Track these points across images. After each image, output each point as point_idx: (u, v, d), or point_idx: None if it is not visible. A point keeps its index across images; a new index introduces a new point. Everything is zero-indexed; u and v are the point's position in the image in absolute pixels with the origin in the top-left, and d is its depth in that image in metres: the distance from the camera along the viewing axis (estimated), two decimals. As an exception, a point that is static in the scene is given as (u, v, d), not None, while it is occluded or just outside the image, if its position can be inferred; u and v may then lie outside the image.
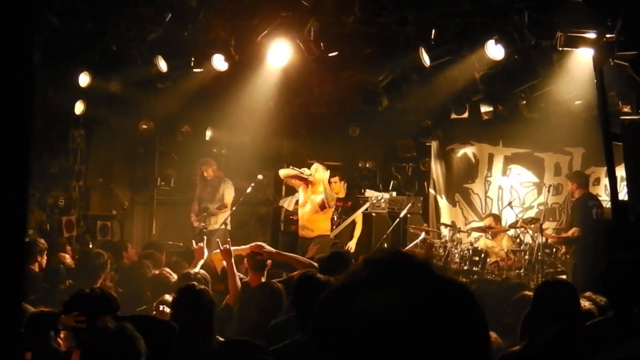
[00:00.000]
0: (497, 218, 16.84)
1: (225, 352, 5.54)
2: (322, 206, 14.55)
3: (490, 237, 16.27)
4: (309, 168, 14.80)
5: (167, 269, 10.49)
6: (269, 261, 9.81)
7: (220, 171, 17.23)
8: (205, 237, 12.42)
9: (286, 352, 6.14)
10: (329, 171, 14.84)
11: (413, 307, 1.74)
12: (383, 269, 1.82)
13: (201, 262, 10.32)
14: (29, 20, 1.71)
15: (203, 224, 16.46)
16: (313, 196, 14.72)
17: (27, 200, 1.74)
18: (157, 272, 10.30)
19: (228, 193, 16.80)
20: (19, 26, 1.70)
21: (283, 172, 15.20)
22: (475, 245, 15.96)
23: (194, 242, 10.97)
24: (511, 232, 16.64)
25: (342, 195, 15.98)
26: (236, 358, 5.43)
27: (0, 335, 1.70)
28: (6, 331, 1.71)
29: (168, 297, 8.25)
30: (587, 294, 7.15)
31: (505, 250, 15.93)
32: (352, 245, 15.42)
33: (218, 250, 10.02)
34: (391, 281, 1.79)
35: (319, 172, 14.70)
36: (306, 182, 14.76)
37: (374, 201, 17.20)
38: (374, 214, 17.30)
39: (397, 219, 16.86)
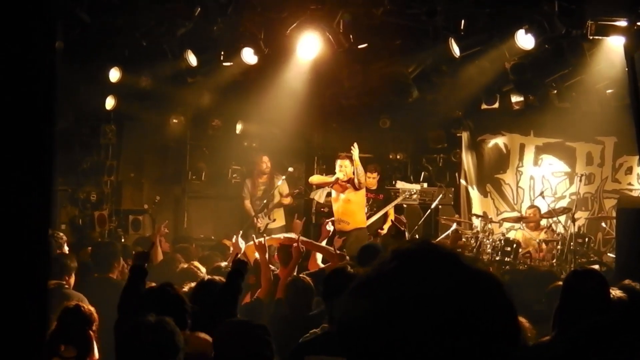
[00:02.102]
0: (539, 210, 16.63)
1: (226, 332, 5.54)
2: (355, 186, 14.51)
3: (527, 228, 16.14)
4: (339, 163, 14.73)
5: (196, 263, 10.50)
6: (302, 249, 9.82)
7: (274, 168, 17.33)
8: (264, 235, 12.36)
9: (316, 344, 6.15)
10: (356, 149, 14.49)
11: (441, 297, 1.74)
12: (411, 261, 1.82)
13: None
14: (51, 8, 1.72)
15: (268, 221, 16.54)
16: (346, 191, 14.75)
17: (52, 195, 1.75)
18: (185, 266, 10.31)
19: (283, 188, 16.92)
20: (40, 15, 1.71)
21: (314, 180, 15.31)
22: (508, 235, 15.88)
23: (234, 237, 10.92)
24: (543, 222, 16.56)
25: (374, 187, 15.94)
26: (236, 336, 5.44)
27: (29, 328, 1.72)
28: (34, 324, 1.73)
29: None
30: (626, 281, 7.07)
31: (538, 240, 15.84)
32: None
33: (251, 243, 10.05)
34: (419, 272, 1.79)
35: (347, 167, 14.59)
36: (339, 184, 14.80)
37: (406, 195, 17.18)
38: (405, 206, 17.28)
39: (429, 210, 16.84)
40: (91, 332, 6.43)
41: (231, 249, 10.86)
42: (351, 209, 14.71)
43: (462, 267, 1.82)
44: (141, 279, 7.00)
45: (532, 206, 17.03)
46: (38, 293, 1.72)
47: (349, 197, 14.63)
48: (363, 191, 14.79)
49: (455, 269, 1.80)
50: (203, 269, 10.15)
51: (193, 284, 7.86)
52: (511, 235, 15.98)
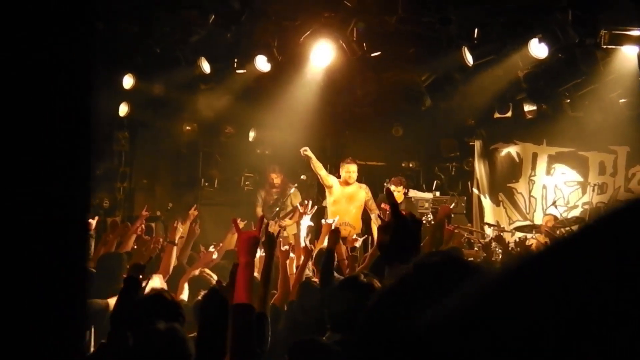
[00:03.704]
0: (556, 218, 16.56)
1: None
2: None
3: (540, 236, 16.09)
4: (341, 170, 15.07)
5: (208, 270, 10.47)
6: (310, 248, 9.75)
7: (287, 177, 17.32)
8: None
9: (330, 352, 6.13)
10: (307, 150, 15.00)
11: (464, 312, 1.74)
12: (434, 274, 1.82)
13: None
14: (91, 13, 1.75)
15: (279, 229, 16.53)
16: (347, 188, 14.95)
17: (90, 194, 1.77)
18: (197, 273, 10.28)
19: (295, 198, 16.91)
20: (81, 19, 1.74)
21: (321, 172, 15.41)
22: (527, 244, 15.82)
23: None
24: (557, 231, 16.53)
25: (400, 200, 15.83)
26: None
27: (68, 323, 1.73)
28: (73, 320, 1.74)
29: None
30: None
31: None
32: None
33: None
34: (442, 286, 1.79)
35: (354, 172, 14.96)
36: (327, 186, 15.03)
37: (419, 206, 17.15)
38: (427, 217, 17.27)
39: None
40: None
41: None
42: (354, 211, 14.93)
43: (485, 280, 1.82)
44: (135, 290, 6.91)
45: (548, 214, 16.99)
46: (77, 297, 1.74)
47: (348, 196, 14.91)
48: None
49: (478, 283, 1.81)
50: (215, 276, 10.12)
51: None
52: (532, 244, 15.92)
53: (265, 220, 6.35)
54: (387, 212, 12.65)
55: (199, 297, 7.78)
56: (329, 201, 15.19)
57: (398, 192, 15.53)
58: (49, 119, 1.70)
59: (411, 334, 1.74)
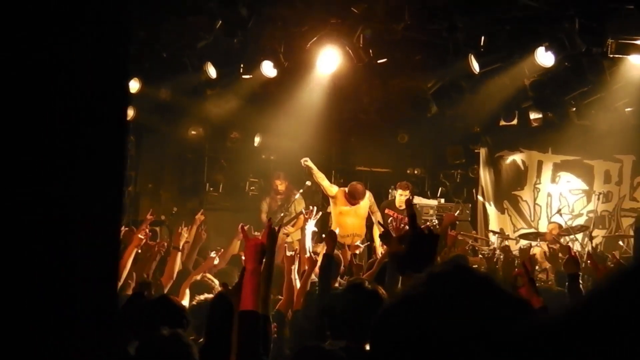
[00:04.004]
0: (560, 226, 16.53)
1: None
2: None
3: (551, 245, 16.04)
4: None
5: (209, 275, 10.46)
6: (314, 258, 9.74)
7: (291, 184, 17.30)
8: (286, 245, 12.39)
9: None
10: (309, 161, 15.17)
11: (474, 322, 1.75)
12: (445, 284, 1.83)
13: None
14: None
15: (285, 232, 16.51)
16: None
17: (123, 192, 1.80)
18: (198, 277, 10.28)
19: (299, 205, 16.90)
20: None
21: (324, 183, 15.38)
22: (532, 253, 15.79)
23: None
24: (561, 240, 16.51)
25: (403, 207, 15.86)
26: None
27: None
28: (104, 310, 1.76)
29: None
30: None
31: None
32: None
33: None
34: (452, 296, 1.79)
35: (330, 188, 15.13)
36: (330, 197, 15.06)
37: (424, 213, 17.12)
38: (431, 223, 17.23)
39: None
40: None
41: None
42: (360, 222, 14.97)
43: (495, 292, 1.82)
44: (138, 307, 6.84)
45: (552, 222, 16.98)
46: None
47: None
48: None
49: (488, 294, 1.81)
50: (216, 281, 10.11)
51: (209, 296, 7.82)
52: (536, 252, 15.88)
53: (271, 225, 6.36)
54: (391, 219, 12.65)
55: (194, 302, 7.79)
56: (334, 211, 15.17)
57: (405, 196, 15.55)
58: (62, 120, 1.73)
59: (419, 339, 1.75)
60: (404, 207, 15.66)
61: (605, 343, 1.43)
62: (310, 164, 15.00)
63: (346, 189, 14.94)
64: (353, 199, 14.88)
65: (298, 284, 8.86)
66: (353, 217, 14.94)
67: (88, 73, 1.75)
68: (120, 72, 1.78)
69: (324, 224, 17.63)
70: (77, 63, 1.74)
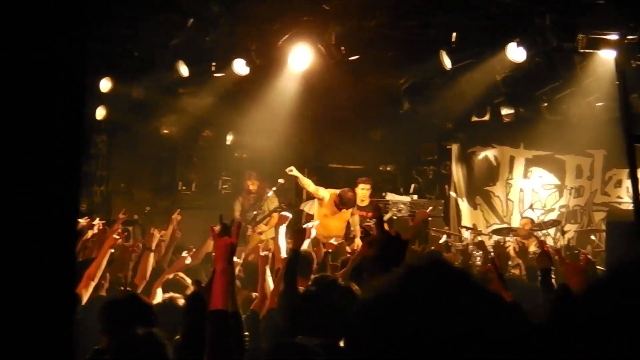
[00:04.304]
0: (532, 221, 16.60)
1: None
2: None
3: (522, 240, 16.10)
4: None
5: (181, 274, 10.45)
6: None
7: (264, 182, 17.28)
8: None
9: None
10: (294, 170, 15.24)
11: (450, 317, 1.75)
12: (421, 279, 1.83)
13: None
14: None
15: (258, 232, 16.48)
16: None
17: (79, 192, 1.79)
18: (170, 276, 10.26)
19: (272, 203, 16.89)
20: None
21: (310, 188, 15.43)
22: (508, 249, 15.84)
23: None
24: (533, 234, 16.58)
25: (366, 203, 15.94)
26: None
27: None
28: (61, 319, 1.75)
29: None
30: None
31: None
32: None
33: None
34: (429, 291, 1.80)
35: (311, 187, 15.34)
36: (318, 199, 15.18)
37: (395, 210, 17.15)
38: (395, 218, 17.25)
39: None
40: None
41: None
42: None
43: (472, 286, 1.83)
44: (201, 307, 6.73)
45: (524, 217, 17.05)
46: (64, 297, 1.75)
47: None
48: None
49: (465, 289, 1.82)
50: (189, 280, 10.09)
51: (175, 295, 7.81)
52: (509, 249, 15.92)
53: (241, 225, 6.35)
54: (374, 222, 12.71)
55: (160, 301, 7.79)
56: (319, 212, 15.19)
57: (366, 190, 15.72)
58: (43, 121, 1.72)
59: (396, 334, 1.76)
60: (366, 202, 15.78)
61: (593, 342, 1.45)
62: (295, 172, 15.09)
63: (337, 196, 14.96)
64: (343, 205, 14.92)
65: (271, 284, 8.87)
66: (337, 221, 15.02)
67: (46, 71, 1.74)
68: (78, 70, 1.77)
69: (296, 222, 17.65)
70: (34, 61, 1.73)
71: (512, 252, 15.44)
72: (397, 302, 1.80)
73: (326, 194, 15.14)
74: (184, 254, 10.80)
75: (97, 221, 11.71)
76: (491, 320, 1.78)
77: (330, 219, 14.99)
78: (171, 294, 7.84)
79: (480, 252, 15.36)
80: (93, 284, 8.47)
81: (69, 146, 1.75)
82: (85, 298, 8.09)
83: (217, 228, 5.33)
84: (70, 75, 1.76)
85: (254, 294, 9.20)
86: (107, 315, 6.12)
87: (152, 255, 10.35)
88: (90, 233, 11.58)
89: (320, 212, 15.14)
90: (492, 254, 14.91)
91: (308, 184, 15.26)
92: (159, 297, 9.33)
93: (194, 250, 11.51)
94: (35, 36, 1.72)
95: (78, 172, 1.78)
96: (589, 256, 11.16)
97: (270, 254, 9.36)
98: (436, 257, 1.94)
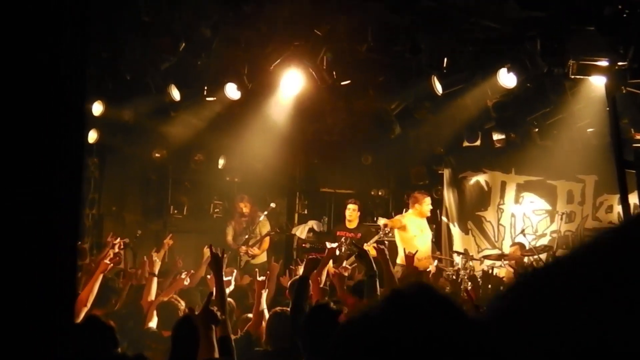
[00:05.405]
0: (523, 247, 16.60)
1: None
2: None
3: (510, 265, 16.08)
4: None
5: (176, 296, 10.47)
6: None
7: (255, 205, 17.29)
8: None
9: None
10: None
11: (432, 345, 1.74)
12: (405, 304, 1.83)
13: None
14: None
15: (247, 258, 16.48)
16: None
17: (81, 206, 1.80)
18: (165, 299, 10.29)
19: (264, 227, 16.90)
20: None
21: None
22: (496, 273, 15.82)
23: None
24: (526, 259, 16.55)
25: (354, 225, 15.98)
26: None
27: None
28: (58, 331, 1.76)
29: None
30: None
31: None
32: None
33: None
34: (412, 317, 1.79)
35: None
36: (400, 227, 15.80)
37: (386, 232, 17.12)
38: (386, 242, 17.21)
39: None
40: None
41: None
42: None
43: (456, 314, 1.82)
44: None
45: (515, 243, 17.04)
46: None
47: None
48: None
49: (448, 316, 1.81)
50: (182, 302, 10.11)
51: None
52: (501, 274, 15.91)
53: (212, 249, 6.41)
54: (343, 238, 12.78)
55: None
56: (404, 238, 15.49)
57: (353, 212, 15.79)
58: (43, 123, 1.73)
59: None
60: (354, 223, 15.86)
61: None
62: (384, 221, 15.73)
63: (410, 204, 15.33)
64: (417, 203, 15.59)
65: (266, 312, 8.94)
66: (421, 238, 15.18)
67: (45, 92, 1.74)
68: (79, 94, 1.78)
69: (288, 247, 17.64)
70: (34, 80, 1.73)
71: (505, 278, 15.45)
72: (378, 324, 1.79)
73: (401, 218, 15.37)
74: (183, 275, 10.89)
75: (117, 240, 11.58)
76: (470, 347, 1.77)
77: (417, 239, 15.23)
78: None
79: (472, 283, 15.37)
80: (85, 309, 8.47)
81: (69, 144, 1.76)
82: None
83: (207, 257, 5.37)
84: (71, 70, 1.77)
85: (249, 315, 9.32)
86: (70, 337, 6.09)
87: (155, 280, 10.48)
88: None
89: (407, 236, 15.47)
90: (470, 285, 14.90)
91: (397, 221, 15.69)
92: (154, 319, 9.41)
93: (192, 272, 11.58)
94: (36, 41, 1.73)
95: (79, 170, 1.79)
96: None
97: (266, 279, 9.46)
98: (422, 282, 1.95)
